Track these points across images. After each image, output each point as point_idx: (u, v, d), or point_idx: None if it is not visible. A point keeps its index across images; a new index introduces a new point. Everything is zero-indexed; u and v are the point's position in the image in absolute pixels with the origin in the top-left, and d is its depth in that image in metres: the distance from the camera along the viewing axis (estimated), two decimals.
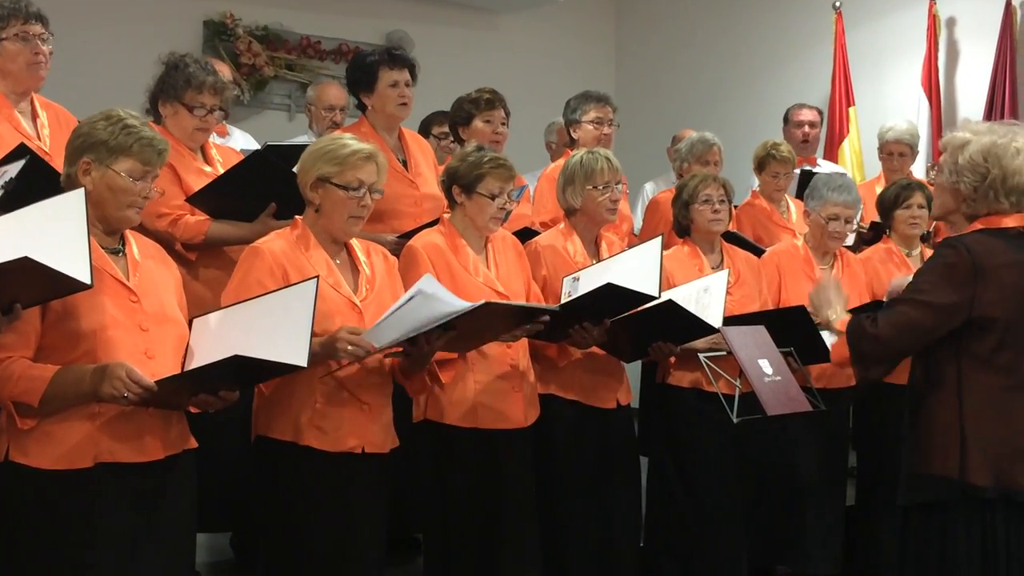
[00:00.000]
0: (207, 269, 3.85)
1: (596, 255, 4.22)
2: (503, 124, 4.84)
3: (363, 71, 4.48)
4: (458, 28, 8.14)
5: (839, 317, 3.45)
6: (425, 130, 5.52)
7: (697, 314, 4.01)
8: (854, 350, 3.26)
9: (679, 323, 3.97)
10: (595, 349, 4.03)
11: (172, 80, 3.91)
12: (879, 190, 5.62)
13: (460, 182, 3.75)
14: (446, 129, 5.47)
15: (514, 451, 3.76)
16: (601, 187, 4.14)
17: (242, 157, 4.17)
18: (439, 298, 3.09)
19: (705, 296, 4.16)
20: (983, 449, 3.08)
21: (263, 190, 3.82)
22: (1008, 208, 3.15)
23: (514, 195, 4.45)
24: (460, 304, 3.13)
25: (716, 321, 4.05)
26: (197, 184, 3.88)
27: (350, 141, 3.32)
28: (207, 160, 4.04)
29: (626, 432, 4.26)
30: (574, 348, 3.99)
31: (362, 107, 4.54)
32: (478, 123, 4.80)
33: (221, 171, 3.98)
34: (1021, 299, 3.11)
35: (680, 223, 4.58)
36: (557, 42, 8.56)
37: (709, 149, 5.58)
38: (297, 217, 3.34)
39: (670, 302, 3.88)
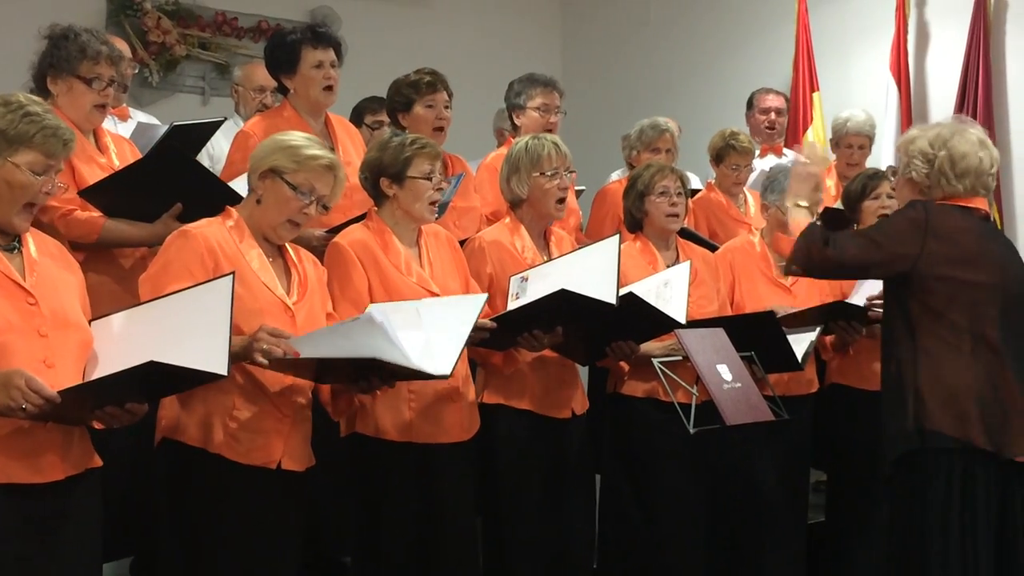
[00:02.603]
0: (95, 275, 3.65)
1: (546, 251, 4.22)
2: (446, 107, 4.80)
3: (284, 51, 4.45)
4: (389, 4, 8.10)
5: (801, 208, 3.80)
6: (357, 118, 5.49)
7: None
8: (799, 250, 3.64)
9: (640, 318, 3.99)
10: (547, 352, 4.04)
11: (63, 52, 3.85)
12: (831, 184, 5.70)
13: (388, 172, 3.74)
14: (381, 117, 5.45)
15: (452, 467, 3.76)
16: (549, 174, 4.15)
17: (134, 146, 4.12)
18: (384, 333, 3.13)
19: (666, 290, 4.16)
20: (934, 396, 3.40)
21: (170, 187, 3.76)
22: (963, 192, 3.52)
23: (452, 183, 4.46)
24: (397, 352, 3.17)
25: (680, 316, 4.06)
26: (91, 175, 3.82)
27: (316, 146, 3.35)
28: (100, 147, 3.98)
29: (582, 444, 4.26)
30: (523, 353, 4.00)
31: (283, 90, 4.51)
32: (419, 108, 4.76)
33: (115, 160, 3.92)
34: (976, 260, 3.46)
35: (633, 216, 4.58)
36: (497, 21, 8.55)
37: (660, 136, 5.52)
38: (230, 207, 3.32)
39: (630, 294, 3.90)
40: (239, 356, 3.03)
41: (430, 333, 3.33)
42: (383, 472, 3.67)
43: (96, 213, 3.81)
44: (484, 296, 3.56)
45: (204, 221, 3.30)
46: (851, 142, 6.22)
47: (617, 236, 3.96)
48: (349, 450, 3.69)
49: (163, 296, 3.00)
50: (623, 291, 3.86)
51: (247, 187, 3.38)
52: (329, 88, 4.44)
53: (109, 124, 4.63)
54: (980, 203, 3.56)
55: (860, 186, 5.11)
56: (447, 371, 3.30)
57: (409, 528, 3.67)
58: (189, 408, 3.19)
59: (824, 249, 3.54)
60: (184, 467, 3.21)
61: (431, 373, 3.27)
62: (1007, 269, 3.54)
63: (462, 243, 4.21)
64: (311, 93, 4.43)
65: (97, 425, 2.90)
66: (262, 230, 3.31)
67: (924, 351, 3.45)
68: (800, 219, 3.75)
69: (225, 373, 2.83)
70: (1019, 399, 3.42)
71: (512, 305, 3.88)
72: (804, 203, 3.82)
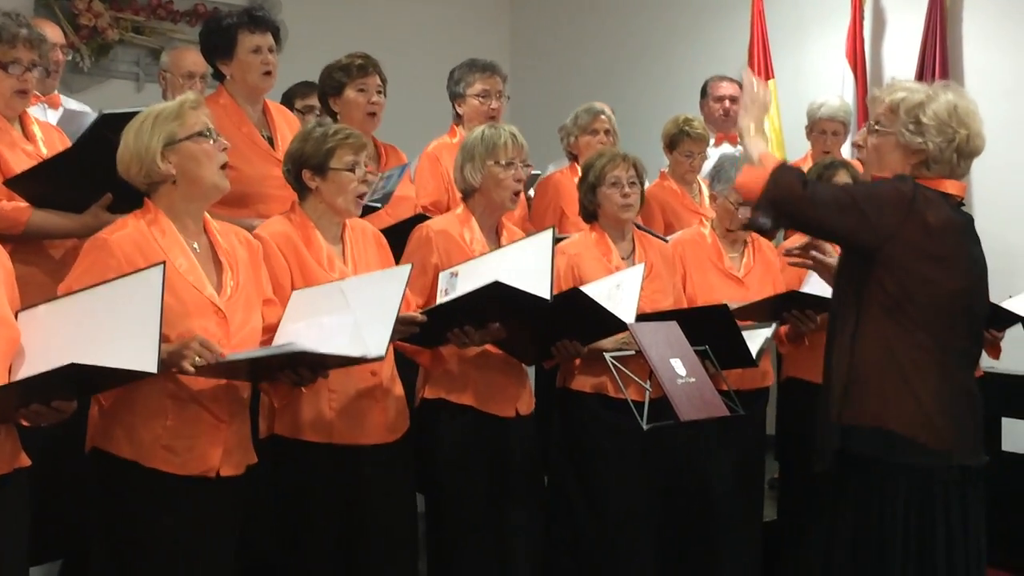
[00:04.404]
0: (23, 265, 3.51)
1: (496, 244, 4.20)
2: (379, 92, 4.80)
3: (220, 35, 4.41)
4: None
5: (759, 135, 3.50)
6: (287, 103, 5.44)
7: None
8: (769, 194, 3.32)
9: (585, 317, 3.98)
10: (490, 348, 4.02)
11: None
12: (807, 170, 5.70)
13: (309, 163, 3.70)
14: (311, 102, 5.44)
15: (378, 469, 3.71)
16: (504, 163, 4.14)
17: (63, 133, 4.06)
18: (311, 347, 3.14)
19: (617, 292, 4.16)
20: (862, 387, 3.30)
21: (99, 176, 3.69)
22: (960, 172, 3.37)
23: (394, 175, 4.44)
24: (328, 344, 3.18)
25: (628, 317, 4.06)
26: (17, 163, 3.76)
27: (169, 100, 3.32)
28: (27, 136, 3.93)
29: (527, 444, 4.24)
30: (468, 350, 3.98)
31: (219, 76, 4.47)
32: (350, 92, 4.76)
33: (43, 148, 3.86)
34: (946, 261, 3.29)
35: (586, 208, 4.58)
36: (442, 6, 8.53)
37: (595, 117, 5.55)
38: (146, 200, 3.25)
39: (575, 290, 3.89)
40: (167, 364, 2.99)
41: (357, 314, 3.30)
42: (304, 475, 3.63)
43: (23, 204, 3.76)
44: (408, 267, 3.49)
45: (120, 221, 3.23)
46: (824, 128, 6.25)
47: (551, 230, 3.94)
48: (268, 452, 3.61)
49: (92, 287, 2.95)
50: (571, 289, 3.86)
51: (154, 175, 3.23)
52: (267, 73, 4.41)
53: (39, 112, 4.58)
54: (957, 188, 3.40)
55: (816, 175, 5.13)
56: (381, 352, 3.27)
57: (330, 532, 3.64)
58: (117, 416, 3.14)
59: (802, 188, 3.30)
60: (116, 481, 3.16)
61: (365, 357, 3.25)
62: (977, 275, 3.42)
63: (406, 228, 4.19)
64: (248, 78, 4.39)
65: (24, 423, 2.85)
66: (191, 204, 3.24)
67: (863, 340, 3.31)
68: (762, 146, 3.48)
69: (154, 371, 2.79)
70: (964, 402, 3.34)
71: (441, 300, 3.85)
72: (760, 127, 3.56)
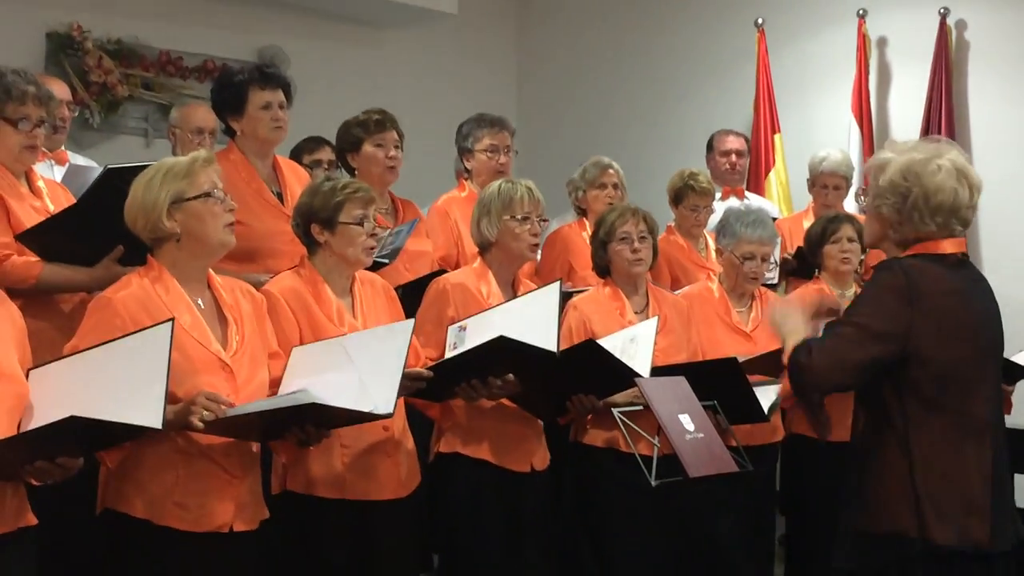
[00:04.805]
0: (32, 321, 3.47)
1: (513, 298, 4.18)
2: (396, 147, 4.82)
3: (231, 92, 4.43)
4: (339, 44, 8.11)
5: (790, 342, 3.33)
6: (296, 158, 5.47)
7: None
8: (792, 381, 3.26)
9: (601, 370, 3.97)
10: (505, 401, 4.02)
11: None
12: (807, 225, 5.71)
13: (318, 217, 3.71)
14: (319, 156, 5.47)
15: (391, 525, 3.70)
16: (520, 218, 4.15)
17: (67, 190, 4.08)
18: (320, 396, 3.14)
19: (631, 346, 4.16)
20: (937, 502, 3.11)
21: (109, 229, 3.71)
22: (936, 231, 3.20)
23: (403, 231, 4.45)
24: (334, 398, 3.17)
25: (644, 370, 4.06)
26: (27, 218, 3.77)
27: (179, 156, 3.34)
28: (33, 191, 3.94)
29: (541, 501, 4.22)
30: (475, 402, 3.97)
31: (230, 132, 4.49)
32: (368, 147, 4.78)
33: (49, 204, 3.88)
34: (963, 332, 3.15)
35: (598, 263, 4.60)
36: (449, 60, 8.57)
37: (603, 171, 5.58)
38: (150, 257, 3.26)
39: (589, 342, 3.88)
40: (175, 424, 2.99)
41: (362, 372, 3.29)
42: (317, 531, 3.62)
43: (33, 258, 3.77)
44: (410, 322, 3.50)
45: (124, 280, 3.24)
46: (826, 182, 6.23)
47: (557, 283, 3.96)
48: (281, 508, 3.58)
49: (102, 344, 2.96)
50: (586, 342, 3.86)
51: (160, 231, 3.23)
52: (278, 128, 4.43)
53: (46, 168, 4.59)
54: (955, 245, 3.23)
55: (820, 229, 5.14)
56: (390, 409, 3.26)
57: None
58: (128, 474, 3.12)
59: (808, 359, 3.15)
60: (129, 540, 3.14)
61: (373, 413, 3.24)
62: (991, 331, 3.27)
63: (424, 284, 4.19)
64: (259, 133, 4.40)
65: (34, 481, 2.84)
66: (197, 262, 3.25)
67: (916, 446, 3.12)
68: (789, 347, 3.31)
69: (160, 426, 2.79)
70: (1006, 485, 3.23)
71: (450, 354, 3.86)
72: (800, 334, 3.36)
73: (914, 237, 3.23)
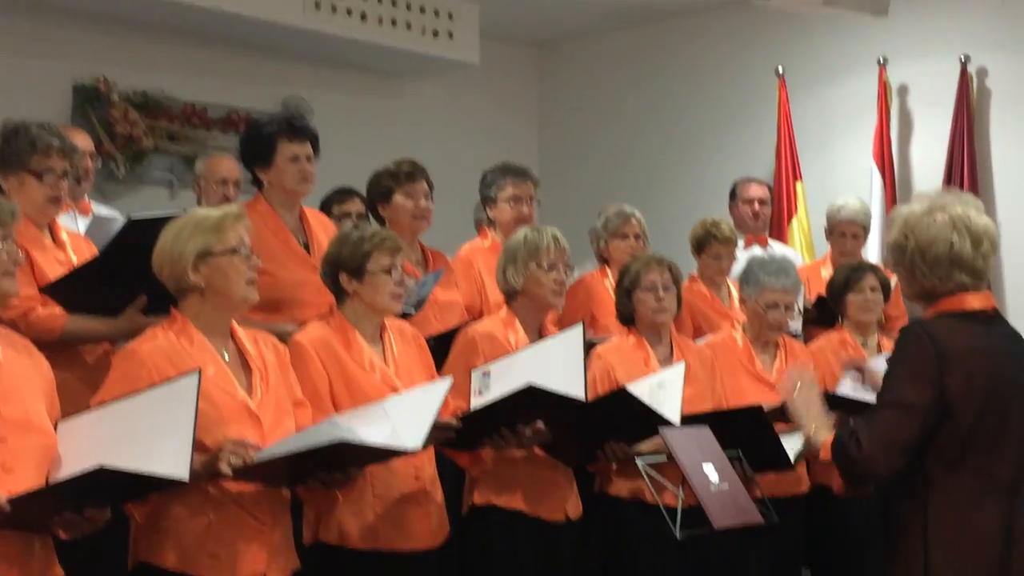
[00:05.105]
0: (57, 372, 3.42)
1: None
2: (426, 197, 4.81)
3: (259, 143, 4.45)
4: (361, 94, 8.17)
5: (822, 429, 3.30)
6: (325, 209, 5.50)
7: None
8: (845, 475, 3.22)
9: (631, 417, 3.96)
10: (536, 450, 4.00)
11: (13, 147, 3.85)
12: (825, 273, 5.71)
13: (346, 267, 3.73)
14: (348, 208, 5.48)
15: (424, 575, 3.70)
16: (546, 266, 4.17)
17: (90, 242, 4.11)
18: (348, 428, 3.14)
19: (660, 392, 4.14)
20: (950, 566, 3.07)
21: (132, 279, 3.74)
22: (940, 284, 3.13)
23: (428, 281, 4.46)
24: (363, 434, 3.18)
25: (674, 417, 4.04)
26: (51, 269, 3.80)
27: (211, 209, 3.37)
28: (56, 243, 3.98)
29: (575, 552, 4.20)
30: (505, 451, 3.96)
31: (258, 183, 4.52)
32: (399, 198, 4.77)
33: (72, 255, 3.92)
34: (991, 390, 3.07)
35: (622, 312, 4.60)
36: (471, 111, 8.63)
37: (626, 221, 5.58)
38: (174, 309, 3.28)
39: (622, 390, 3.87)
40: (203, 474, 3.00)
41: (395, 421, 3.32)
42: None
43: (57, 310, 3.79)
44: (448, 380, 3.52)
45: (148, 333, 3.25)
46: (844, 231, 6.23)
47: (580, 326, 3.96)
48: (313, 560, 3.56)
49: (129, 395, 2.98)
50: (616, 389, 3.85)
51: (184, 282, 3.26)
52: (305, 180, 4.44)
53: (69, 219, 4.62)
54: (981, 300, 3.15)
55: (843, 278, 5.14)
56: (418, 444, 3.27)
57: None
58: (159, 525, 3.12)
59: (858, 452, 3.07)
60: None
61: (401, 449, 3.25)
62: (1022, 388, 3.15)
63: (452, 335, 4.20)
64: (287, 185, 4.41)
65: (63, 535, 2.84)
66: (221, 315, 3.26)
67: (934, 507, 3.08)
68: (823, 437, 3.27)
69: (186, 478, 2.80)
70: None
71: (475, 401, 3.86)
72: (822, 417, 3.35)
73: (933, 292, 3.16)
